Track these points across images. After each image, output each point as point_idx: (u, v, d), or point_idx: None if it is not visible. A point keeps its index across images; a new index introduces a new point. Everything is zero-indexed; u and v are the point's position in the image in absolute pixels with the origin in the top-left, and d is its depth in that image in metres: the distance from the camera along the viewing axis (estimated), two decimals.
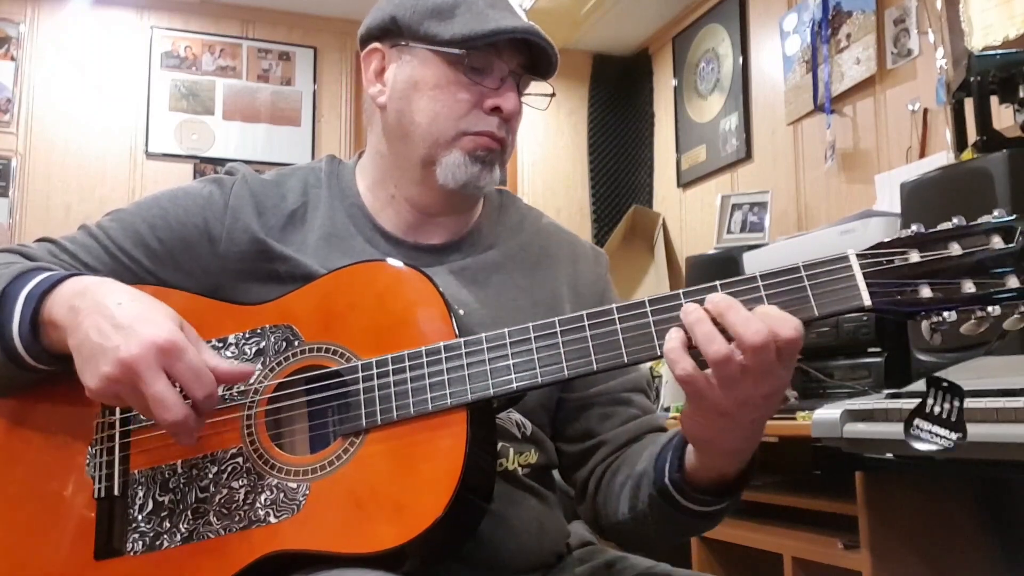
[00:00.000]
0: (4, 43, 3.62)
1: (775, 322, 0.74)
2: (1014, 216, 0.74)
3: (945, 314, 0.74)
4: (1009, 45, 2.15)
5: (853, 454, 1.64)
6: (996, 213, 0.74)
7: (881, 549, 1.69)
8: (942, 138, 2.46)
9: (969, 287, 0.73)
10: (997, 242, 0.73)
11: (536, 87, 1.06)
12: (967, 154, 1.94)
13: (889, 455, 1.58)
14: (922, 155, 2.58)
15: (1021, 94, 1.85)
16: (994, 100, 1.93)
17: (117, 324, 0.82)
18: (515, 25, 0.98)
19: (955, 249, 0.74)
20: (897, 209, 2.05)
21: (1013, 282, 0.72)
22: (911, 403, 1.48)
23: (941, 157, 2.37)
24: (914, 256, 0.75)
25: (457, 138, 0.99)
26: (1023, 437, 1.29)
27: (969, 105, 1.97)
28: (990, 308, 0.73)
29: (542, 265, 1.07)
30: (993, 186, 1.68)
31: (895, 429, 1.51)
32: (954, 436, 0.77)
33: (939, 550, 1.72)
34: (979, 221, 0.75)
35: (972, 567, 1.74)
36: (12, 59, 3.61)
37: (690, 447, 0.87)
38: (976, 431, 1.33)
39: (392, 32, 1.03)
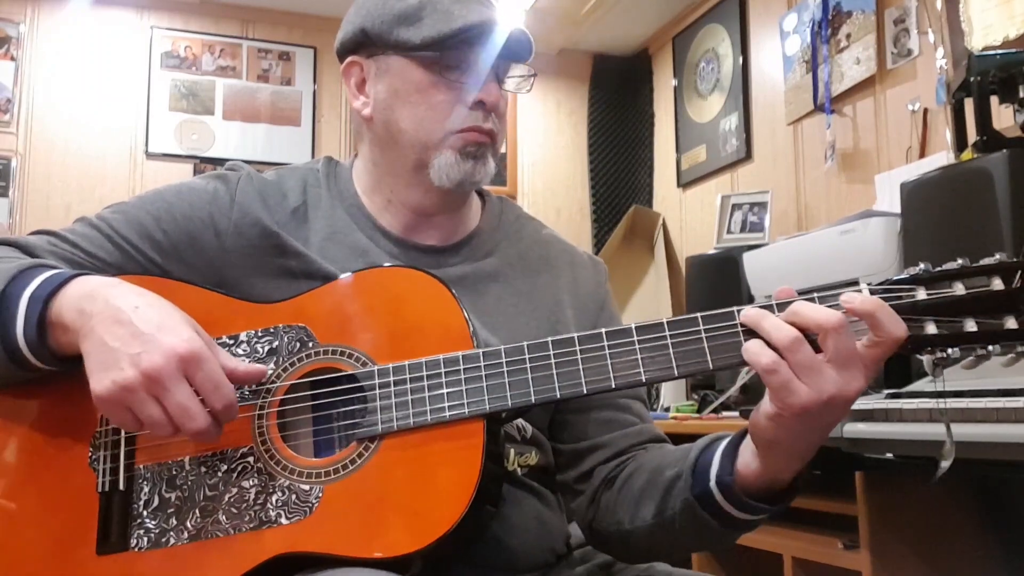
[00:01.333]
0: (4, 43, 3.62)
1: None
2: (1015, 259, 0.77)
3: (949, 350, 0.77)
4: (1009, 45, 2.16)
5: (853, 454, 1.64)
6: (998, 256, 0.78)
7: (881, 549, 1.69)
8: (942, 138, 2.47)
9: (971, 326, 0.76)
10: (997, 284, 0.76)
11: (518, 71, 1.06)
12: (967, 154, 1.94)
13: (889, 455, 1.59)
14: (922, 155, 2.58)
15: (1021, 94, 1.85)
16: (994, 100, 1.93)
17: (136, 331, 0.81)
18: (482, 19, 0.98)
19: (959, 289, 0.77)
20: (897, 209, 2.06)
21: (1011, 323, 0.75)
22: (911, 403, 1.49)
23: (941, 157, 2.38)
24: (920, 294, 0.78)
25: (445, 138, 0.99)
26: (1023, 437, 1.29)
27: (969, 105, 1.97)
28: (990, 347, 0.76)
29: (542, 273, 1.07)
30: (993, 186, 1.68)
31: (895, 429, 1.51)
32: (948, 463, 0.84)
33: (939, 550, 1.72)
34: (981, 262, 0.78)
35: (972, 567, 1.74)
36: (12, 59, 3.61)
37: (744, 450, 0.85)
38: (976, 431, 1.34)
39: (365, 43, 1.04)
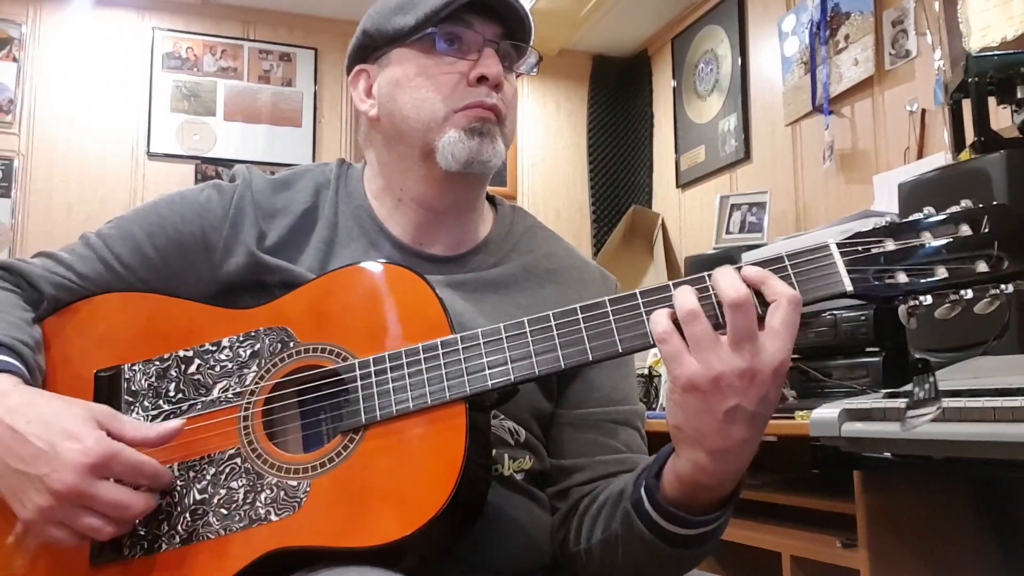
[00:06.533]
0: (6, 44, 3.63)
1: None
2: (980, 205, 0.77)
3: (921, 298, 0.77)
4: (1007, 46, 2.16)
5: (851, 453, 1.64)
6: (964, 203, 0.78)
7: (879, 547, 1.69)
8: (940, 139, 2.47)
9: (942, 272, 0.76)
10: (965, 230, 0.77)
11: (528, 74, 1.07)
12: (965, 155, 1.95)
13: (887, 454, 1.59)
14: (920, 156, 2.59)
15: (1019, 95, 1.85)
16: (992, 101, 1.93)
17: (35, 449, 0.79)
18: None
19: (927, 237, 0.78)
20: (895, 209, 2.06)
21: (982, 267, 0.76)
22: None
23: (939, 158, 2.38)
24: (889, 244, 0.78)
25: (448, 117, 0.97)
26: (1020, 436, 1.29)
27: (967, 106, 1.97)
28: (962, 292, 0.76)
29: (545, 286, 1.06)
30: (991, 187, 1.68)
31: (893, 428, 1.51)
32: (934, 408, 0.81)
33: (937, 548, 1.72)
34: (949, 211, 0.78)
35: (970, 565, 1.75)
36: (14, 60, 3.62)
37: (674, 455, 0.83)
38: (973, 430, 1.34)
39: (368, 46, 1.04)
